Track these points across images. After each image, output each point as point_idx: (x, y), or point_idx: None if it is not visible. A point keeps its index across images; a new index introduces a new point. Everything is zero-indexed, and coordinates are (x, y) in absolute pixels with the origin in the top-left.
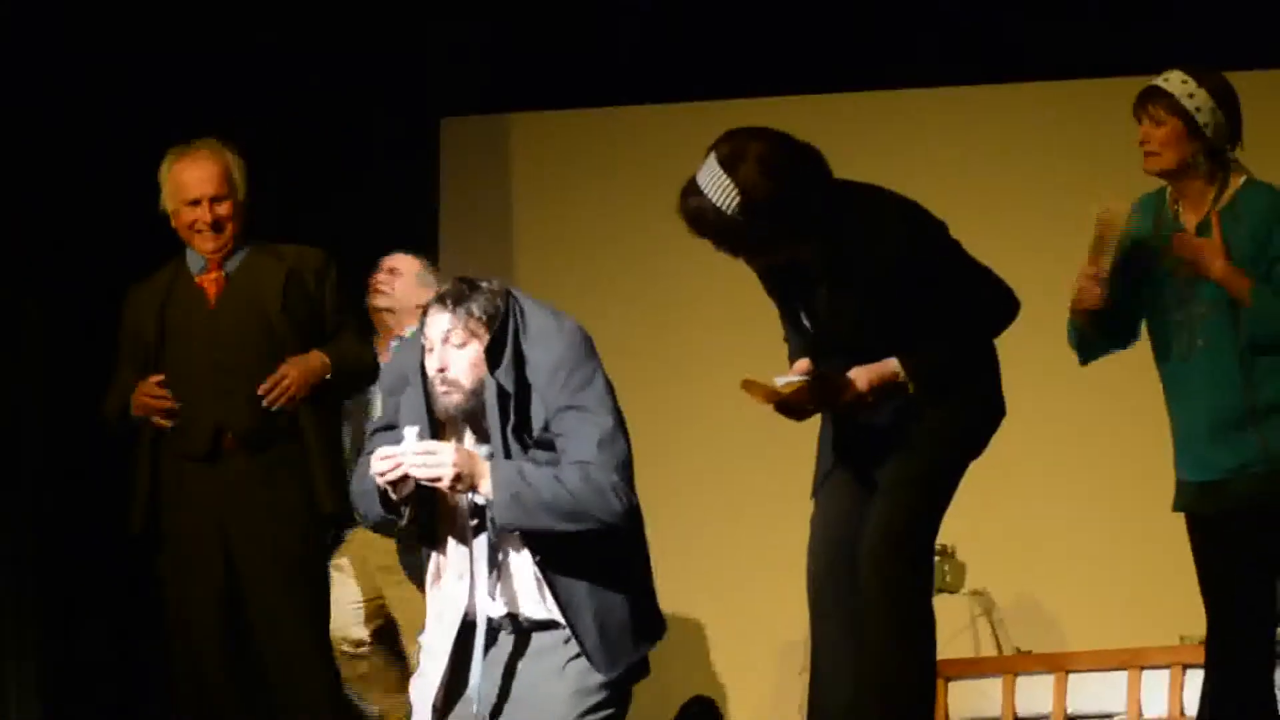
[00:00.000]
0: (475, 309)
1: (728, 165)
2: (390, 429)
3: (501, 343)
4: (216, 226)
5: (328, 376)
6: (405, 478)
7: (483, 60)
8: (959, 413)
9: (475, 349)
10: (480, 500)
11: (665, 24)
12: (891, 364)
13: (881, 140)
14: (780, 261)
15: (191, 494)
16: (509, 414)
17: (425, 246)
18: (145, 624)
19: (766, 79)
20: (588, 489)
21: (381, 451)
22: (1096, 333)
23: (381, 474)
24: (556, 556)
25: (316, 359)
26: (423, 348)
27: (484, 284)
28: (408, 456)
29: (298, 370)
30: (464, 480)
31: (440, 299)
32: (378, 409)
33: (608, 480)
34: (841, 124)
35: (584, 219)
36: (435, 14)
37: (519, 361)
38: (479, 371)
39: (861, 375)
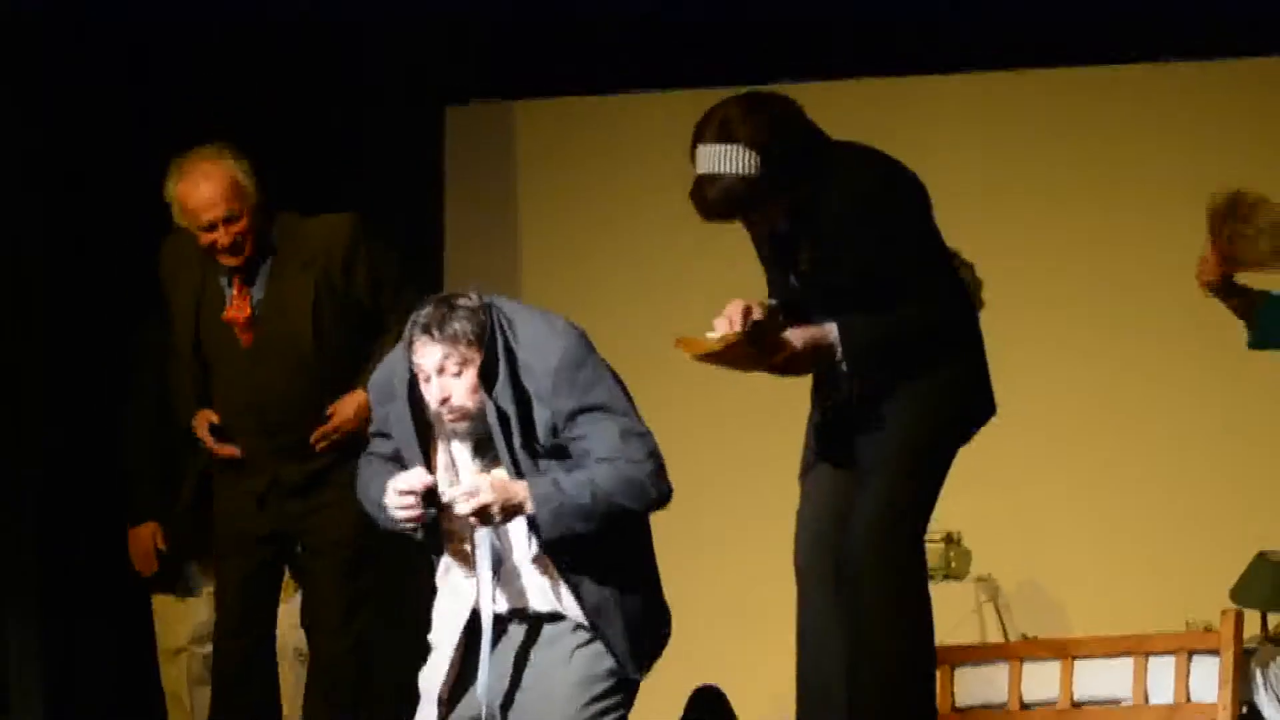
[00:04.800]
0: (462, 333)
1: (725, 137)
2: (383, 436)
3: (494, 360)
4: (235, 249)
5: None
6: (424, 512)
7: (487, 48)
8: (938, 400)
9: (473, 372)
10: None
11: (671, 10)
12: (830, 330)
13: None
14: (785, 210)
15: (243, 494)
16: (512, 431)
17: (431, 235)
18: (146, 622)
19: (776, 66)
20: (621, 484)
21: (399, 485)
22: (1259, 318)
23: (402, 509)
24: (583, 563)
25: (361, 396)
26: (409, 360)
27: (462, 301)
28: (453, 502)
29: (341, 416)
30: (508, 512)
31: (424, 329)
32: None
33: (640, 471)
34: (844, 113)
35: (590, 207)
36: (439, 1)
37: (514, 375)
38: (482, 394)
39: (797, 335)
